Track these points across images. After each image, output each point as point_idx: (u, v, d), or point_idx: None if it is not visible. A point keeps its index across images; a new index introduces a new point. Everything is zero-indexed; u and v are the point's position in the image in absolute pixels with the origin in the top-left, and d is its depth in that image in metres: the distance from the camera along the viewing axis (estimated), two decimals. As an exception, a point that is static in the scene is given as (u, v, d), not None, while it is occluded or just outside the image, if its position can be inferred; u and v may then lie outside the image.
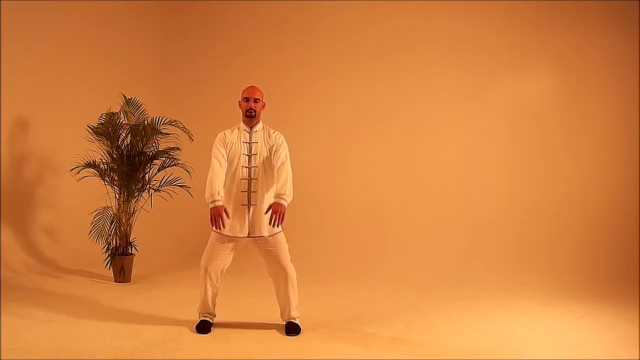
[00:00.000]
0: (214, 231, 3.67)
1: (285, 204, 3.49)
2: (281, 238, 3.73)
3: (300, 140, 6.63)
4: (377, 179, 6.32)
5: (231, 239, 3.68)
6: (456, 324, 3.96)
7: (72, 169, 5.22)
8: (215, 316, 3.81)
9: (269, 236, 3.67)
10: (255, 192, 3.68)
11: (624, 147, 5.57)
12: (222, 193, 3.58)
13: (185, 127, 5.40)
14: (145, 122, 5.35)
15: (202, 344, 3.48)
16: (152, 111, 5.57)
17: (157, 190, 5.48)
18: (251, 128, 3.77)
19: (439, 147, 6.12)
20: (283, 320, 3.79)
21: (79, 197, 5.72)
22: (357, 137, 6.42)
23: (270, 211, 3.46)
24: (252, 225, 3.67)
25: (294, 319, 3.76)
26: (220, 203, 3.53)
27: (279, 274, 3.75)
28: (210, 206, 3.52)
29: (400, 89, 6.26)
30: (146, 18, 7.00)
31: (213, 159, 3.66)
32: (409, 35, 6.24)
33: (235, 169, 3.68)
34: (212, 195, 3.53)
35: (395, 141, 6.29)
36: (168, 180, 5.46)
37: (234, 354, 3.32)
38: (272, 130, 3.83)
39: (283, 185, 3.52)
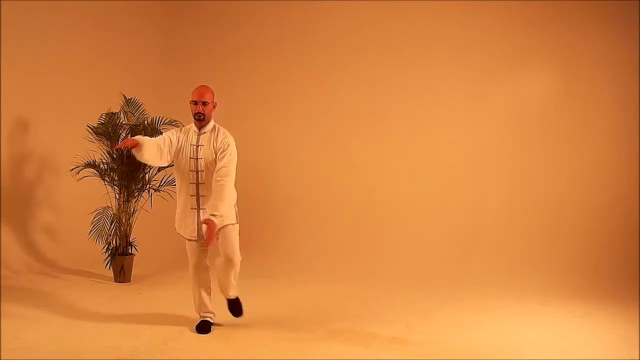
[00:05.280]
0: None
1: (217, 221, 3.42)
2: (229, 230, 3.64)
3: (300, 139, 6.66)
4: (377, 179, 6.31)
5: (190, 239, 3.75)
6: (456, 324, 3.96)
7: (72, 169, 5.22)
8: (215, 315, 3.81)
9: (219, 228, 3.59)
10: (204, 195, 3.64)
11: (624, 147, 5.56)
12: (143, 141, 3.55)
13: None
14: (145, 122, 5.34)
15: (202, 344, 3.49)
16: (152, 111, 5.57)
17: (157, 190, 5.48)
18: (199, 130, 3.71)
19: (440, 147, 6.12)
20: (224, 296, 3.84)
21: (79, 197, 5.72)
22: (357, 136, 6.42)
23: (204, 225, 3.41)
24: (201, 229, 3.61)
25: (233, 296, 3.81)
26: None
27: (224, 259, 3.68)
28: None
29: (400, 89, 6.26)
30: (146, 18, 7.00)
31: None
32: (409, 35, 6.23)
33: (185, 172, 3.67)
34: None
35: (395, 141, 6.28)
36: (168, 180, 5.45)
37: (234, 354, 3.32)
38: (221, 132, 3.71)
39: (216, 204, 3.44)
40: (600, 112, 5.65)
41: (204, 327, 3.70)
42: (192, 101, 3.68)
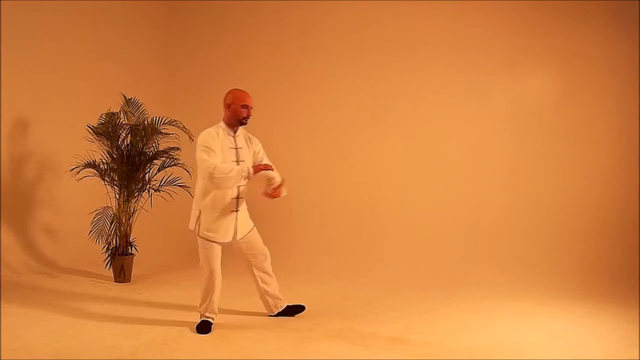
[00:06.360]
0: (203, 239, 3.70)
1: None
2: (255, 232, 3.93)
3: (301, 139, 6.65)
4: (377, 179, 6.31)
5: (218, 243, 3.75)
6: (456, 324, 3.97)
7: (72, 169, 5.23)
8: (217, 315, 3.81)
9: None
10: (242, 197, 3.74)
11: (624, 146, 5.56)
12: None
13: (185, 127, 5.41)
14: (145, 122, 5.35)
15: (202, 344, 3.49)
16: (152, 111, 5.57)
17: (157, 190, 5.48)
18: (235, 132, 3.75)
19: (440, 147, 6.11)
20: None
21: (79, 197, 5.73)
22: (357, 136, 6.42)
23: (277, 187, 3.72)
24: (236, 230, 3.75)
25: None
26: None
27: (266, 258, 4.05)
28: (249, 173, 3.57)
29: (400, 88, 6.25)
30: (146, 18, 7.00)
31: (211, 160, 3.52)
32: (410, 35, 6.23)
33: None
34: (244, 172, 3.56)
35: (395, 141, 6.28)
36: (168, 180, 5.46)
37: (234, 354, 3.32)
38: (249, 134, 3.86)
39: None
40: (600, 112, 5.65)
41: (204, 327, 3.70)
42: (241, 105, 3.68)
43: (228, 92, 3.76)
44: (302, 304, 4.12)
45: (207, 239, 3.69)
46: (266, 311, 4.07)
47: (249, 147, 3.80)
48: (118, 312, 4.14)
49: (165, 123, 5.37)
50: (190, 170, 5.54)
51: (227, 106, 3.72)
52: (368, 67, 6.38)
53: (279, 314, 4.05)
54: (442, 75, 6.11)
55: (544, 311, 4.30)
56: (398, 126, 6.27)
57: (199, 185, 3.72)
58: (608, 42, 5.60)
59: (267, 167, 3.66)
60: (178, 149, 5.50)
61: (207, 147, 3.57)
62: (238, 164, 3.66)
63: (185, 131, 5.40)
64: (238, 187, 3.69)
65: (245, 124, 3.74)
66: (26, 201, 5.71)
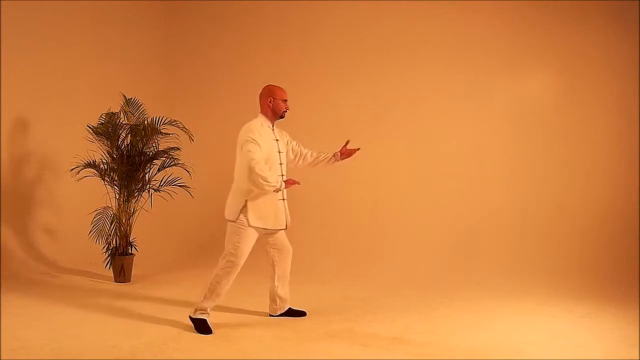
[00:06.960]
0: (252, 227, 3.72)
1: None
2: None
3: (301, 139, 6.63)
4: (377, 179, 6.31)
5: (264, 232, 3.83)
6: (456, 324, 3.96)
7: (72, 169, 5.23)
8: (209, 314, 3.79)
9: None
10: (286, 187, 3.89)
11: (624, 146, 5.56)
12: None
13: (185, 127, 5.41)
14: (145, 122, 5.35)
15: (202, 344, 3.48)
16: (152, 111, 5.57)
17: (157, 190, 5.48)
18: (273, 125, 3.93)
19: (440, 147, 6.12)
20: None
21: (79, 197, 5.73)
22: (357, 136, 6.38)
23: (345, 152, 4.23)
24: (285, 218, 3.90)
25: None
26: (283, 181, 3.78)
27: (289, 254, 4.09)
28: (281, 186, 3.74)
29: (400, 88, 6.26)
30: (146, 18, 7.00)
31: (257, 154, 3.62)
32: (410, 34, 6.23)
33: (272, 167, 3.79)
34: (277, 184, 3.70)
35: (395, 141, 6.28)
36: (168, 180, 5.46)
37: (234, 354, 3.32)
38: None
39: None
40: (600, 112, 5.65)
41: (204, 327, 3.70)
42: (282, 100, 3.89)
43: (265, 88, 3.95)
44: (304, 310, 4.11)
45: (260, 228, 3.76)
46: (268, 311, 4.07)
47: (282, 138, 3.99)
48: (118, 312, 4.14)
49: (165, 123, 5.37)
50: (190, 170, 5.55)
51: (268, 101, 3.89)
52: (368, 67, 6.39)
53: (280, 314, 4.05)
54: (442, 75, 6.11)
55: (544, 311, 4.30)
56: (398, 126, 6.27)
57: (244, 175, 3.70)
58: (608, 42, 5.60)
59: (295, 182, 3.80)
60: (178, 149, 5.50)
61: (253, 139, 3.68)
62: (279, 154, 3.87)
63: (185, 131, 5.40)
64: (281, 177, 3.83)
65: (284, 117, 3.93)
66: (26, 201, 5.72)
